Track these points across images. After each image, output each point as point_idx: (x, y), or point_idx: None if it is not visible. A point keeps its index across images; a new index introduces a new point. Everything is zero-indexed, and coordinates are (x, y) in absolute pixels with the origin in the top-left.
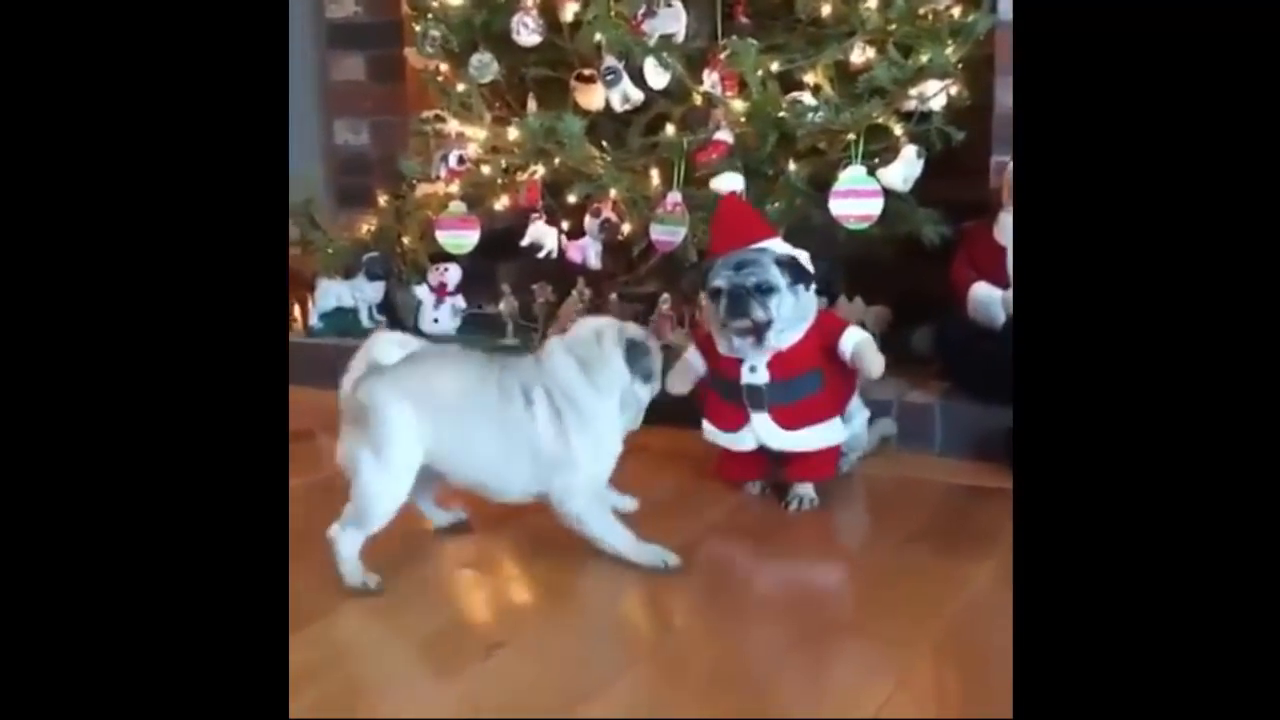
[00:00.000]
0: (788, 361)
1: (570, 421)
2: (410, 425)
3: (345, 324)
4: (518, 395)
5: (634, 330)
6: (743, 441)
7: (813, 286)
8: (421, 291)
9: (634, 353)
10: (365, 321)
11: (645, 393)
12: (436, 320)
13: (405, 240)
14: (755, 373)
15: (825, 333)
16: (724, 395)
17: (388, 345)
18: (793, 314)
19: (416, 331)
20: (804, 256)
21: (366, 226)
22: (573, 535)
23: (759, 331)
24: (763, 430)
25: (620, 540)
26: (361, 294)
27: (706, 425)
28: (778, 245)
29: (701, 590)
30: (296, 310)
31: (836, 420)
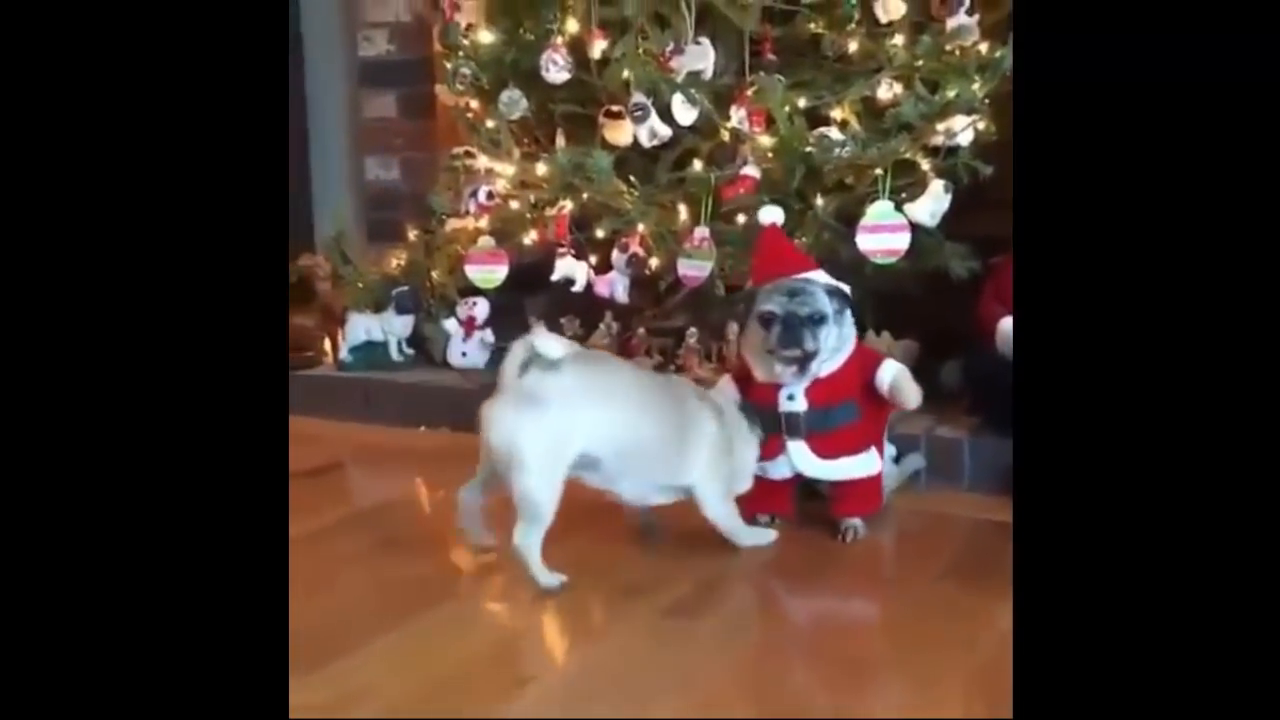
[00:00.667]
0: (826, 390)
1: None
2: (583, 419)
3: (375, 358)
4: (704, 417)
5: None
6: (779, 470)
7: (850, 318)
8: (450, 325)
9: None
10: (394, 355)
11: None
12: (465, 354)
13: (434, 274)
14: (794, 400)
15: (863, 364)
16: (760, 424)
17: (550, 342)
18: (836, 344)
19: (445, 365)
20: (845, 288)
21: (396, 261)
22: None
23: (805, 361)
24: (799, 458)
25: (749, 537)
26: (391, 327)
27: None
28: (822, 276)
29: (734, 622)
30: (327, 344)
31: (873, 451)
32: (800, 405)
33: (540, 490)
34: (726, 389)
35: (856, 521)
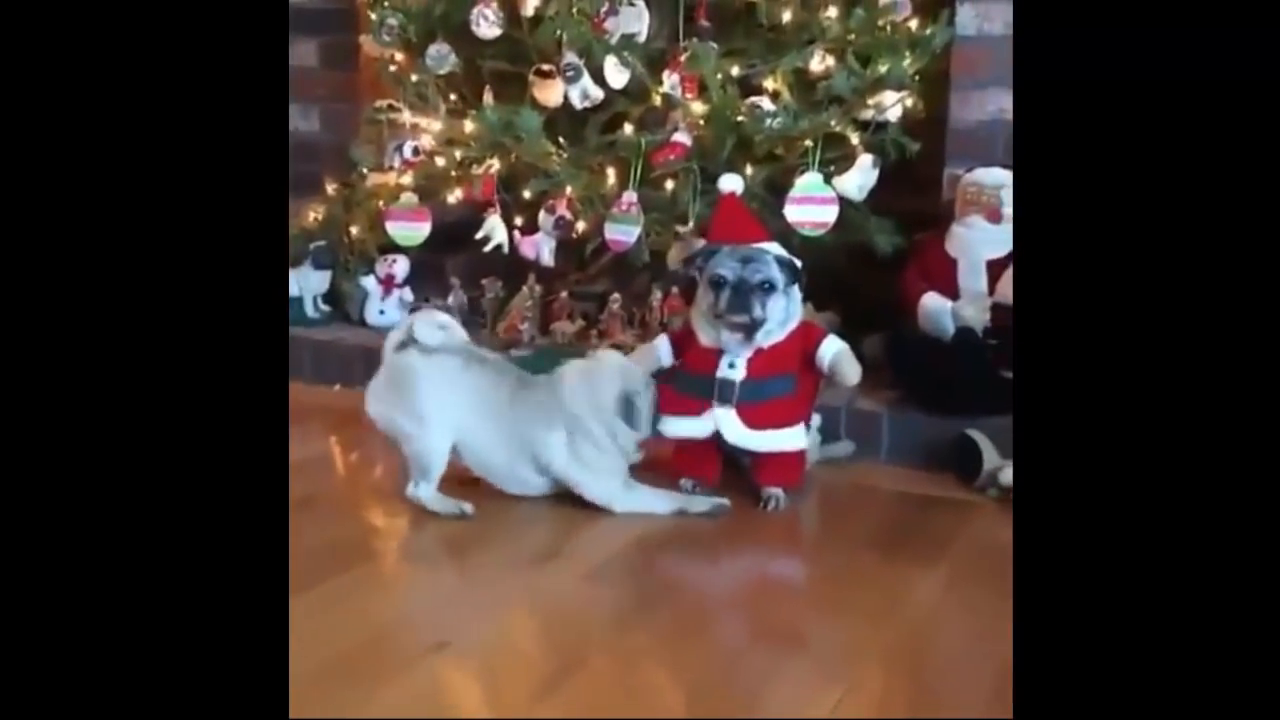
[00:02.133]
0: (766, 362)
1: (581, 445)
2: (444, 404)
3: (290, 313)
4: (540, 419)
5: (633, 381)
6: (700, 428)
7: (797, 291)
8: (369, 283)
9: (626, 406)
10: (310, 311)
11: (634, 438)
12: (383, 312)
13: (353, 230)
14: (734, 369)
15: (805, 339)
16: (686, 389)
17: (429, 327)
18: (783, 316)
19: (361, 323)
20: (797, 261)
21: (314, 214)
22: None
23: (751, 329)
24: (726, 425)
25: (662, 504)
26: (307, 283)
27: (667, 424)
28: (774, 247)
29: (657, 589)
30: None
31: (800, 426)
32: (738, 374)
33: (423, 449)
34: (660, 350)
35: (778, 491)
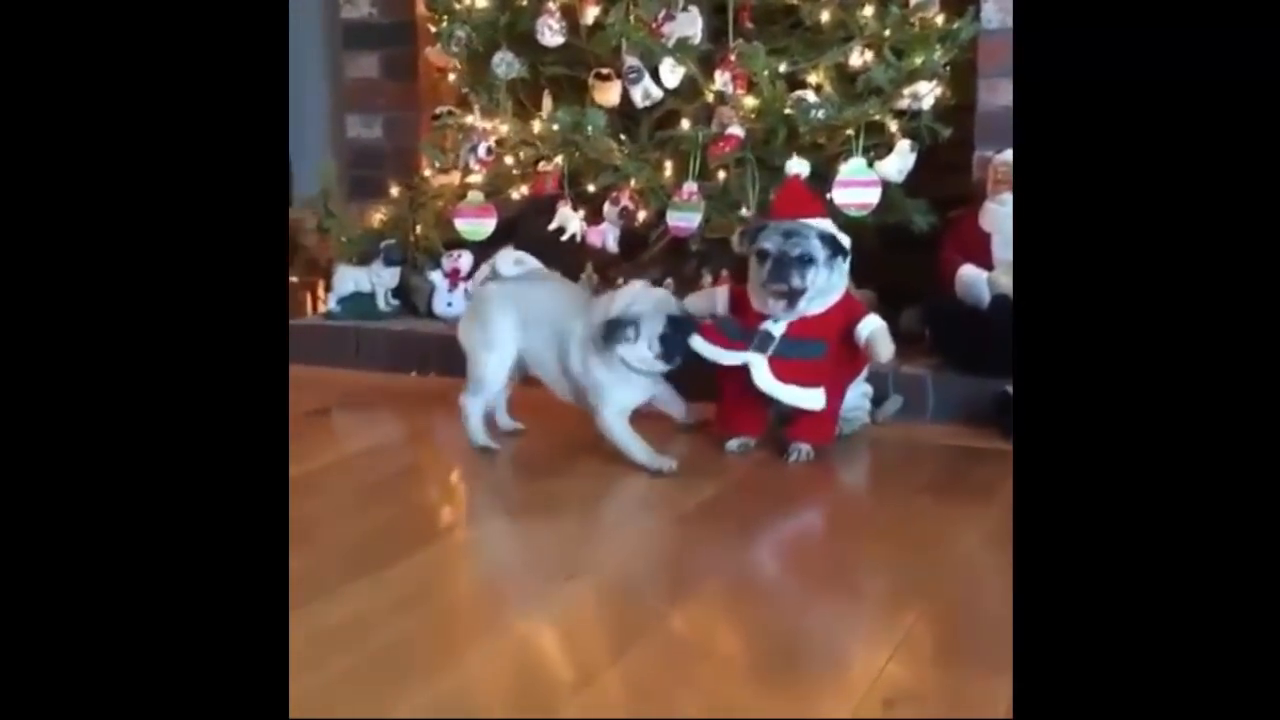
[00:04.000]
0: (805, 326)
1: (592, 361)
2: (511, 325)
3: (362, 307)
4: (570, 313)
5: (630, 309)
6: (731, 357)
7: (845, 265)
8: (435, 276)
9: (609, 331)
10: (381, 305)
11: (637, 353)
12: (450, 304)
13: (419, 228)
14: (776, 324)
15: (846, 312)
16: (728, 333)
17: (508, 261)
18: (824, 286)
19: (429, 315)
20: (843, 236)
21: (379, 215)
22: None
23: (792, 297)
24: (756, 370)
25: (634, 447)
26: (378, 279)
27: (700, 343)
28: (822, 223)
29: (722, 540)
30: (308, 296)
31: (819, 390)
32: (778, 330)
33: (480, 368)
34: (719, 297)
35: (805, 446)
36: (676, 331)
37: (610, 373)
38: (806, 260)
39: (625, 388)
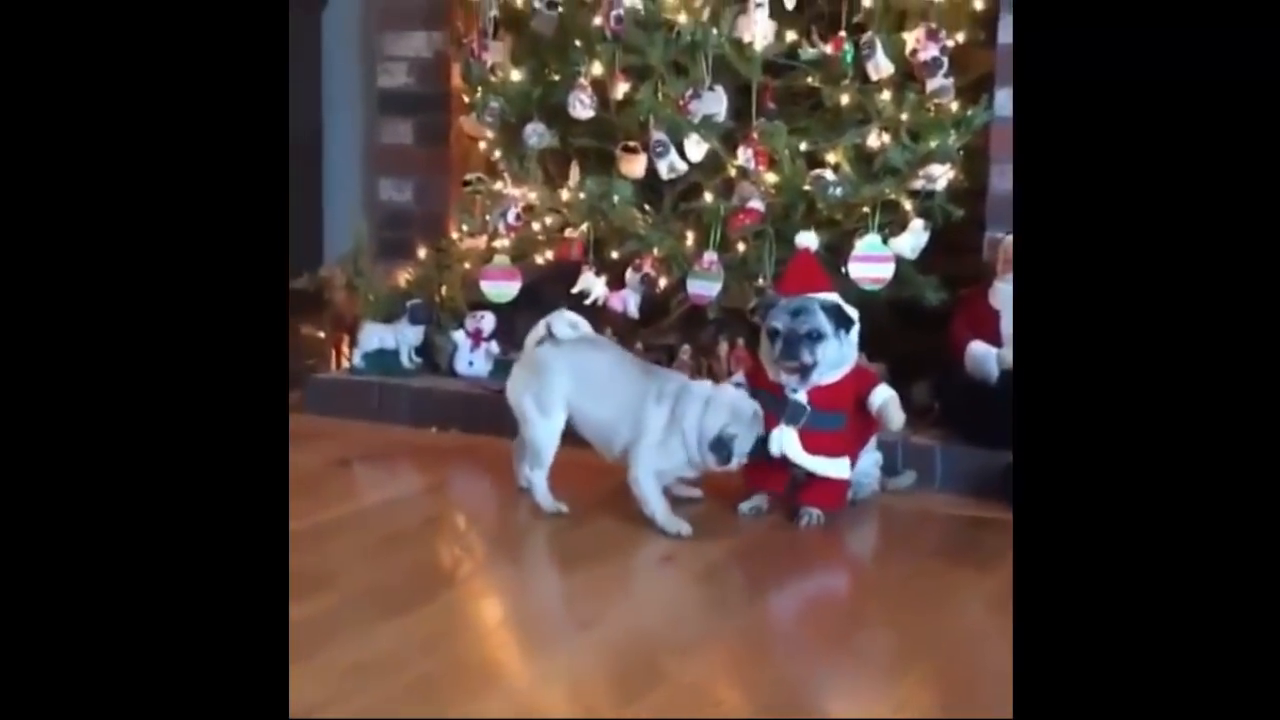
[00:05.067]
0: (823, 397)
1: (666, 441)
2: (564, 385)
3: (386, 364)
4: (649, 396)
5: (731, 423)
6: (774, 445)
7: (853, 335)
8: (458, 336)
9: (717, 447)
10: (405, 362)
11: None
12: (472, 363)
13: (444, 289)
14: (796, 393)
15: (859, 383)
16: (766, 405)
17: (564, 323)
18: (836, 357)
19: (451, 374)
20: (850, 308)
21: (406, 276)
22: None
23: (804, 371)
24: (788, 443)
25: (657, 504)
26: (403, 337)
27: (775, 444)
28: (829, 297)
29: (732, 598)
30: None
31: (845, 459)
32: (804, 398)
33: (537, 435)
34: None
35: (816, 511)
36: (757, 444)
37: (661, 446)
38: (815, 336)
39: (667, 458)
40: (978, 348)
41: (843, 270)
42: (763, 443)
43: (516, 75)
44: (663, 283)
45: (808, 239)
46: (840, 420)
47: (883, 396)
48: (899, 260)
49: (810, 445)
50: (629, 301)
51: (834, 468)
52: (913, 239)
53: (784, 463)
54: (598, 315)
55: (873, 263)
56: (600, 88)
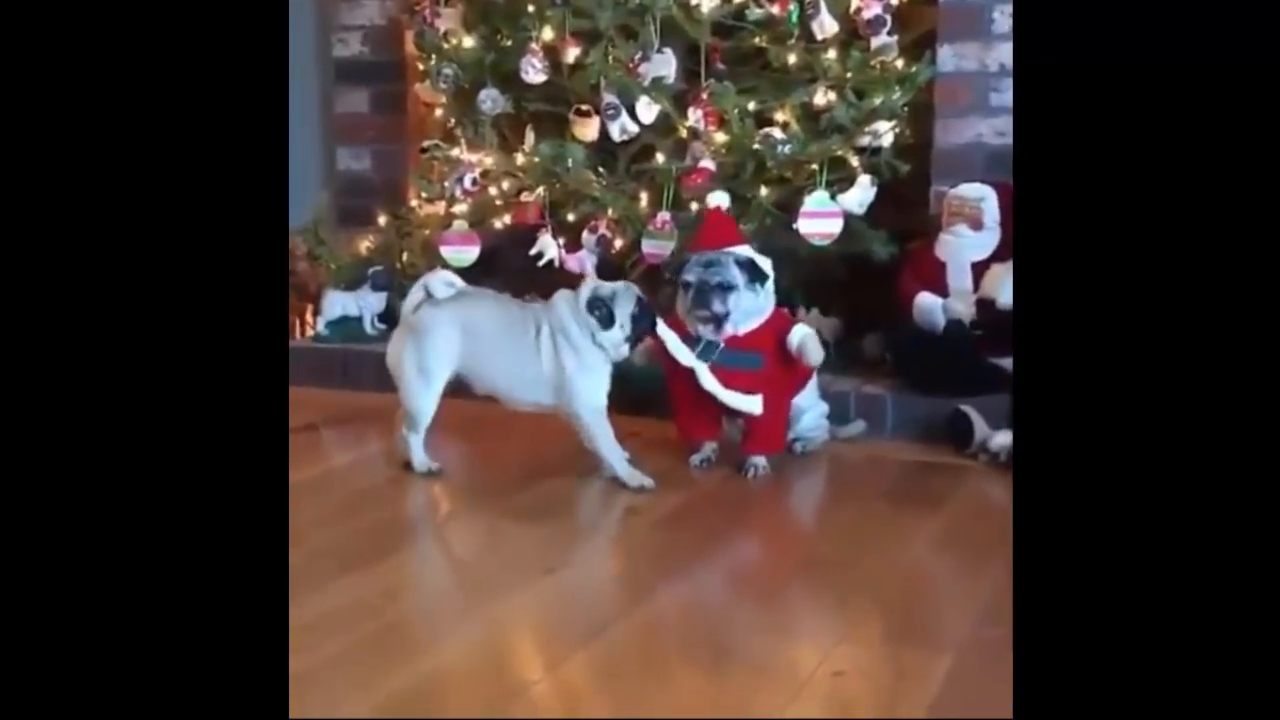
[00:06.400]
0: (738, 343)
1: (565, 354)
2: (449, 346)
3: (350, 331)
4: (530, 330)
5: (603, 288)
6: (686, 356)
7: (769, 286)
8: None
9: (592, 305)
10: (368, 329)
11: (611, 337)
12: None
13: (405, 255)
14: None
15: (778, 327)
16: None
17: (440, 283)
18: (750, 308)
19: None
20: (763, 260)
21: (367, 243)
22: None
23: (718, 321)
24: (703, 376)
25: (615, 455)
26: (365, 304)
27: (664, 329)
28: (741, 250)
29: (690, 544)
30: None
31: (759, 397)
32: (717, 337)
33: (414, 400)
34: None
35: (760, 460)
36: (644, 313)
37: (580, 361)
38: (726, 287)
39: (594, 377)
40: (925, 299)
41: (793, 226)
42: (651, 317)
43: (469, 42)
44: (619, 243)
45: (718, 197)
46: (755, 360)
47: (800, 334)
48: (847, 215)
49: (725, 382)
50: (586, 262)
51: (747, 403)
52: (860, 194)
53: (710, 406)
54: (548, 281)
55: (821, 218)
56: (551, 52)
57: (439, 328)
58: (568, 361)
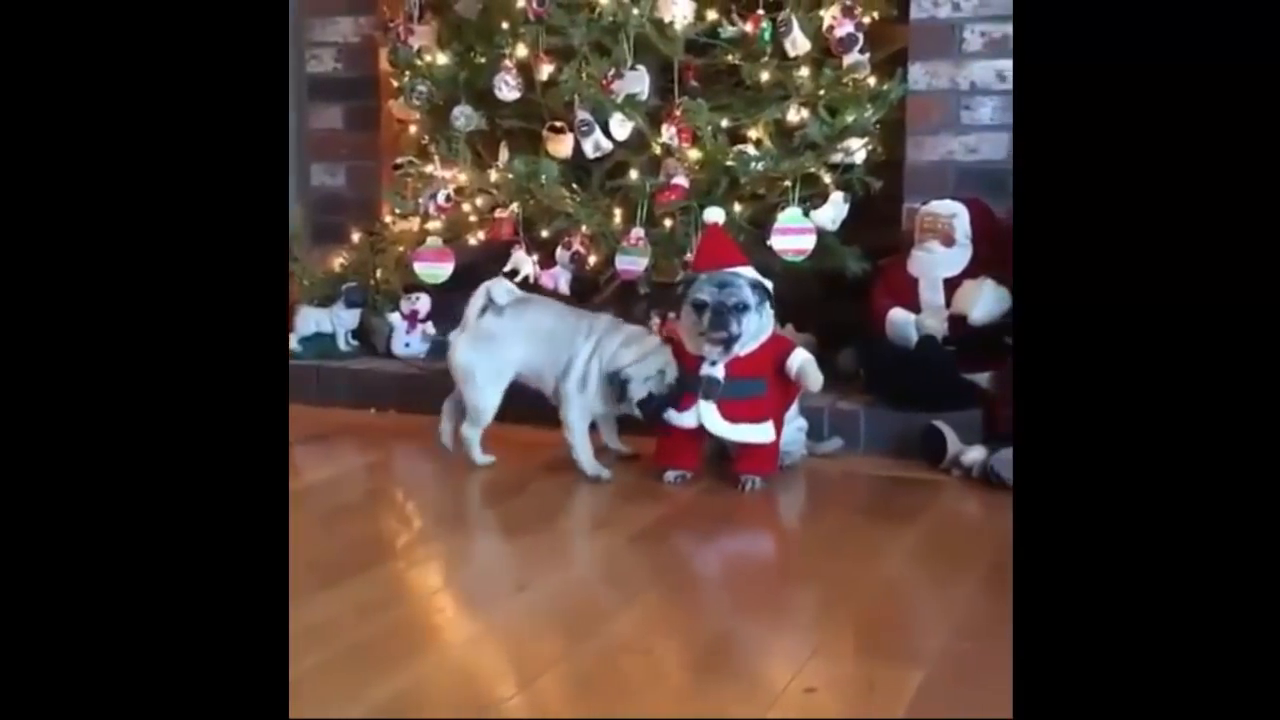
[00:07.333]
0: (741, 366)
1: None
2: (518, 350)
3: (323, 347)
4: (583, 335)
5: (625, 362)
6: (686, 420)
7: (769, 308)
8: (394, 318)
9: (614, 383)
10: (342, 345)
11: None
12: (408, 345)
13: (379, 272)
14: (714, 367)
15: (776, 350)
16: (685, 385)
17: (502, 290)
18: (755, 328)
19: (388, 354)
20: (768, 283)
21: (340, 260)
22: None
23: (729, 342)
24: (707, 416)
25: (584, 455)
26: (339, 320)
27: (674, 416)
28: (748, 271)
29: (665, 557)
30: None
31: (770, 423)
32: (720, 373)
33: (484, 400)
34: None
35: (755, 477)
36: (655, 400)
37: (583, 380)
38: (742, 308)
39: (587, 392)
40: (898, 315)
41: (766, 243)
42: (666, 406)
43: (443, 58)
44: (592, 260)
45: (715, 213)
46: (761, 386)
47: (800, 359)
48: (820, 232)
49: (733, 414)
50: (560, 279)
51: (757, 433)
52: (833, 211)
53: (695, 439)
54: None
55: (794, 234)
56: (525, 69)
57: (510, 334)
58: (592, 365)
